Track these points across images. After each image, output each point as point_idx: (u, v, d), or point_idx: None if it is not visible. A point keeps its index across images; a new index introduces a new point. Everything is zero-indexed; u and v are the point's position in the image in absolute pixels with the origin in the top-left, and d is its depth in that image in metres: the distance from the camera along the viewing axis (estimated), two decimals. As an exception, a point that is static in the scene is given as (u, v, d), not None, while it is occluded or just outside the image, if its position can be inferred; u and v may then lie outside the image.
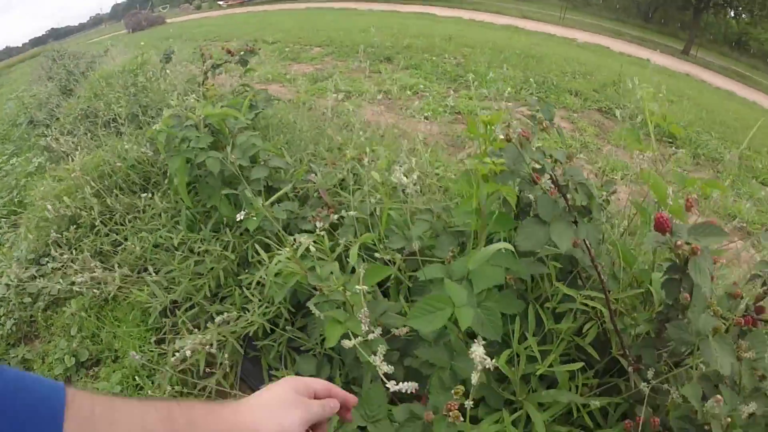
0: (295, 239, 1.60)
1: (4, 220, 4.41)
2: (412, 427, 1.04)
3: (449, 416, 0.94)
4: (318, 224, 1.76)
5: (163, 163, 3.43)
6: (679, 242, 1.06)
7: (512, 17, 24.15)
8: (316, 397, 0.99)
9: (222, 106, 2.77)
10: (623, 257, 1.66)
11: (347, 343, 1.20)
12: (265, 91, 3.52)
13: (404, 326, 1.33)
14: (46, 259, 3.39)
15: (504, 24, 18.76)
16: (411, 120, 4.94)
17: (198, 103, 2.92)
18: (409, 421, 1.04)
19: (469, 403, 0.87)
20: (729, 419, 1.13)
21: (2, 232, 4.03)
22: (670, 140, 6.21)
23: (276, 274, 1.97)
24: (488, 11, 26.27)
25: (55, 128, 5.36)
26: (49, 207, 3.32)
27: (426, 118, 4.90)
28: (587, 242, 1.34)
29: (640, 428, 1.25)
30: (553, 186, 1.30)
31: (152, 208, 3.19)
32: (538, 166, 1.32)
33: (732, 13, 37.63)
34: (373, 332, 1.14)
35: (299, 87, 6.06)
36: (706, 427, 1.17)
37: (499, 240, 1.61)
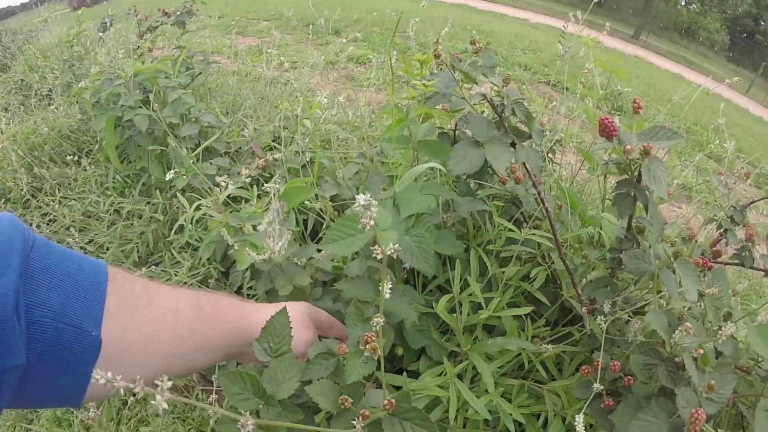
0: (218, 186, 1.47)
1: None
2: (324, 364, 0.92)
3: (365, 350, 0.83)
4: (244, 171, 1.64)
5: (96, 131, 3.26)
6: (628, 147, 0.97)
7: (464, -4, 24.19)
8: (318, 327, 1.08)
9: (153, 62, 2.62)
10: (570, 201, 1.58)
11: (256, 257, 1.09)
12: (202, 52, 3.35)
13: (321, 253, 1.23)
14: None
15: (455, 3, 18.75)
16: (358, 89, 4.86)
17: (128, 61, 2.75)
18: (321, 357, 0.93)
19: (379, 321, 0.76)
20: (701, 351, 1.04)
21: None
22: (618, 112, 6.24)
23: (203, 230, 1.85)
24: (439, -10, 26.32)
25: (-13, 105, 5.12)
26: (-29, 179, 3.12)
27: (370, 86, 4.84)
28: (528, 168, 1.23)
29: (599, 374, 1.16)
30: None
31: (83, 177, 3.02)
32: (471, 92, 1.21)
33: (683, 2, 38.55)
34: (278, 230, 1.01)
35: (243, 58, 5.91)
36: (677, 360, 1.08)
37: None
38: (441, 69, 1.24)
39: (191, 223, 1.93)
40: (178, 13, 3.56)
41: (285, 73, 5.10)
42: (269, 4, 11.84)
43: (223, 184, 1.44)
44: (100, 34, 5.42)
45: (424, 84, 1.20)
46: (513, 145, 1.18)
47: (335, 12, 9.35)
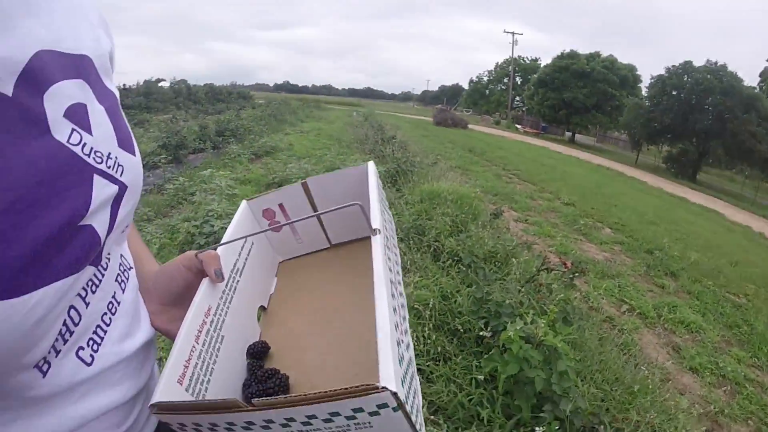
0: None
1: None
2: None
3: None
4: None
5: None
6: None
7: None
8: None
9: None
10: None
11: None
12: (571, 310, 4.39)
13: None
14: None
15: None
16: (678, 363, 5.10)
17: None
18: None
19: None
20: None
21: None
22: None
23: None
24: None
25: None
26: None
27: (692, 369, 5.02)
28: None
29: None
30: None
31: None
32: None
33: None
34: None
35: (589, 279, 6.67)
36: None
37: None
38: None
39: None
40: (574, 273, 4.71)
41: (623, 315, 5.81)
42: (615, 208, 12.21)
43: None
44: (492, 221, 6.80)
45: None
46: None
47: (675, 244, 9.49)
